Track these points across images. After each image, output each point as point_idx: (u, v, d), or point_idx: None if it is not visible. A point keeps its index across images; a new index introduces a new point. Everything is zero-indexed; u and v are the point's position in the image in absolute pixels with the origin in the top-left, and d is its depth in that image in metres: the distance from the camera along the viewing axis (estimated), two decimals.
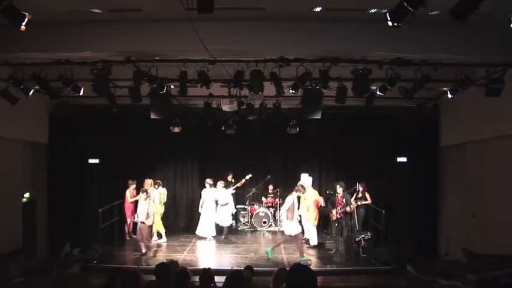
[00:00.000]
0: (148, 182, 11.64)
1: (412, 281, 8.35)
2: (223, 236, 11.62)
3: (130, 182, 11.76)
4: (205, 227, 11.57)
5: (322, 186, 13.10)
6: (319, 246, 10.86)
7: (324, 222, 12.09)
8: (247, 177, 12.51)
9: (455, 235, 10.92)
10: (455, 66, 7.50)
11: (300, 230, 9.77)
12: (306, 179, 11.30)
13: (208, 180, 11.67)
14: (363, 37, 6.90)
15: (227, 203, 11.75)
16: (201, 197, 11.80)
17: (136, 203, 11.34)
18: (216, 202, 11.69)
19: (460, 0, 4.19)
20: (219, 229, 11.86)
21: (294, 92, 8.22)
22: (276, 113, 10.20)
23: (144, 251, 9.92)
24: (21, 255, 9.53)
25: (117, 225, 11.35)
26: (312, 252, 10.51)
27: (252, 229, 12.85)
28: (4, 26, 4.96)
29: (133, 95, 8.53)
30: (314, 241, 10.83)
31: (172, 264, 5.36)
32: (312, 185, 11.31)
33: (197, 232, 11.71)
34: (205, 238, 11.54)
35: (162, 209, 11.73)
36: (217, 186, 11.65)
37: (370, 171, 12.42)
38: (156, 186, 11.63)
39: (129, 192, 11.71)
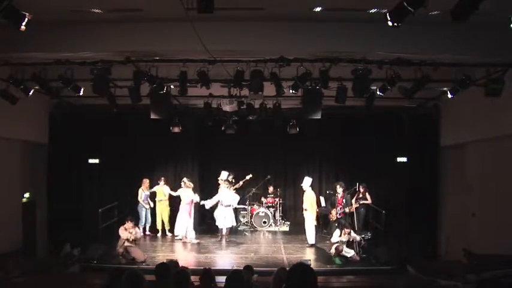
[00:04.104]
0: (147, 181, 11.61)
1: (412, 281, 8.35)
2: (223, 237, 11.55)
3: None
4: (180, 226, 11.28)
5: (322, 186, 13.10)
6: (319, 246, 10.85)
7: (324, 222, 12.08)
8: (247, 177, 12.48)
9: (455, 235, 10.92)
10: (455, 66, 7.49)
11: None
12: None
13: (185, 180, 11.51)
14: (363, 37, 6.89)
15: (230, 205, 11.65)
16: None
17: None
18: (219, 203, 11.50)
19: (460, 0, 4.19)
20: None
21: (294, 92, 8.21)
22: (276, 113, 10.19)
23: (143, 259, 9.43)
24: (21, 255, 9.50)
25: (117, 225, 11.32)
26: (312, 252, 10.50)
27: (252, 229, 12.83)
28: (4, 26, 4.95)
29: (133, 95, 8.52)
30: (312, 240, 10.84)
31: (172, 264, 5.38)
32: (312, 186, 11.28)
33: (175, 231, 11.52)
34: (181, 238, 11.25)
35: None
36: (221, 187, 11.59)
37: (370, 171, 12.40)
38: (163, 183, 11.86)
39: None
